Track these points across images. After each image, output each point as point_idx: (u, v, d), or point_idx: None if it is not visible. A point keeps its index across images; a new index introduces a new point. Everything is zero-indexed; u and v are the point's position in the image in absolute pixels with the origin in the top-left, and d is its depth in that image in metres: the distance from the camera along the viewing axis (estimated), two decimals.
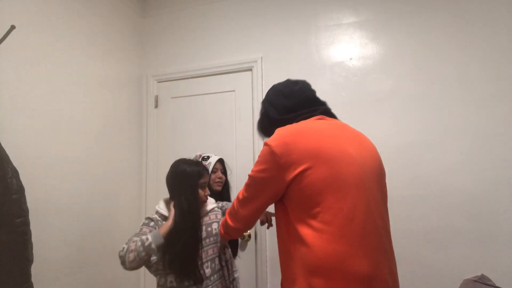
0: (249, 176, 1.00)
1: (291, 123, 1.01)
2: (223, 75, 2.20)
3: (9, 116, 1.38)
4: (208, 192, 1.37)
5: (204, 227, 1.35)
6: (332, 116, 1.10)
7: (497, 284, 1.49)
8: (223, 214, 1.50)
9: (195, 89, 2.26)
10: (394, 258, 0.97)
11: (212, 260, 1.33)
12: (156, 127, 2.33)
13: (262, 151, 0.96)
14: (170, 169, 1.36)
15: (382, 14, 1.89)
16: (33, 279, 1.20)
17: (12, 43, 1.38)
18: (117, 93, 2.11)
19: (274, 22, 2.10)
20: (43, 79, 1.57)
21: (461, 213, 1.65)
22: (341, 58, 1.94)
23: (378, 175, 0.96)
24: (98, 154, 1.89)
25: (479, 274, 1.55)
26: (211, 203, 1.46)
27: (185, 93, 2.28)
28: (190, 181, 1.30)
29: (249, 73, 2.14)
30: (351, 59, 1.93)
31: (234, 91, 2.16)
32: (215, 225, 1.40)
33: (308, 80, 1.97)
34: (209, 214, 1.42)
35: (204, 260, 1.29)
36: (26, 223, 1.18)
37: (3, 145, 1.18)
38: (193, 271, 1.23)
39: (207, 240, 1.34)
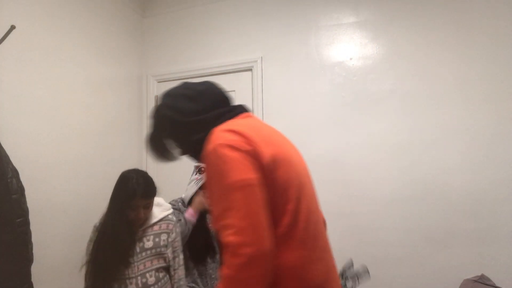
0: (224, 192, 0.70)
1: (214, 123, 0.82)
2: (223, 75, 2.19)
3: (9, 116, 1.38)
4: (142, 215, 1.27)
5: (152, 237, 1.31)
6: None
7: (497, 284, 1.50)
8: (180, 211, 1.50)
9: None
10: None
11: (157, 269, 1.30)
12: None
13: (218, 156, 0.71)
14: (122, 173, 1.32)
15: (382, 14, 1.89)
16: (33, 279, 1.20)
17: (12, 43, 1.38)
18: (117, 93, 2.11)
19: (274, 22, 2.10)
20: (43, 79, 1.56)
21: (461, 213, 1.65)
22: (341, 58, 1.94)
23: (310, 175, 0.90)
24: (98, 154, 1.89)
25: (479, 274, 1.56)
26: (164, 211, 1.39)
27: None
28: (121, 197, 1.25)
29: (249, 73, 2.14)
30: (351, 59, 1.93)
31: (234, 91, 2.16)
32: (164, 236, 1.34)
33: (308, 80, 2.00)
34: (160, 223, 1.36)
35: (148, 269, 1.28)
36: (26, 223, 1.18)
37: (3, 145, 1.18)
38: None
39: (153, 251, 1.30)
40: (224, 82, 2.17)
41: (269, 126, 0.87)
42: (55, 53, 1.65)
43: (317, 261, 0.75)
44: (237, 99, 2.14)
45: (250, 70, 2.13)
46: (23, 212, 1.15)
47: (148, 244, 1.29)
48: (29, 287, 1.17)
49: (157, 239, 1.33)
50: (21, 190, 1.16)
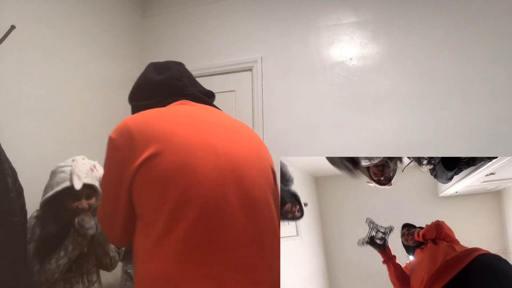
0: None
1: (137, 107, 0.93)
2: (223, 75, 2.19)
3: (9, 116, 1.38)
4: (85, 205, 1.22)
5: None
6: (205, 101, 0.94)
7: None
8: None
9: None
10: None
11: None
12: None
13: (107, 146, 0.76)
14: None
15: (382, 14, 1.89)
16: None
17: (12, 43, 1.38)
18: (117, 93, 2.11)
19: (274, 22, 2.10)
20: (43, 79, 1.57)
21: None
22: (341, 58, 1.94)
23: (257, 171, 0.75)
24: (98, 154, 1.89)
25: None
26: None
27: None
28: (57, 185, 1.18)
29: (249, 73, 2.13)
30: (351, 59, 1.92)
31: (234, 91, 2.16)
32: None
33: (308, 80, 2.00)
34: None
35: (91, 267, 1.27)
36: (25, 223, 1.18)
37: (2, 145, 1.18)
38: None
39: None
40: (224, 82, 2.19)
41: (194, 115, 0.79)
42: (55, 53, 1.65)
43: (201, 278, 0.62)
44: (237, 99, 2.15)
45: (250, 70, 2.13)
46: (21, 212, 1.15)
47: None
48: None
49: None
50: (18, 189, 1.16)
